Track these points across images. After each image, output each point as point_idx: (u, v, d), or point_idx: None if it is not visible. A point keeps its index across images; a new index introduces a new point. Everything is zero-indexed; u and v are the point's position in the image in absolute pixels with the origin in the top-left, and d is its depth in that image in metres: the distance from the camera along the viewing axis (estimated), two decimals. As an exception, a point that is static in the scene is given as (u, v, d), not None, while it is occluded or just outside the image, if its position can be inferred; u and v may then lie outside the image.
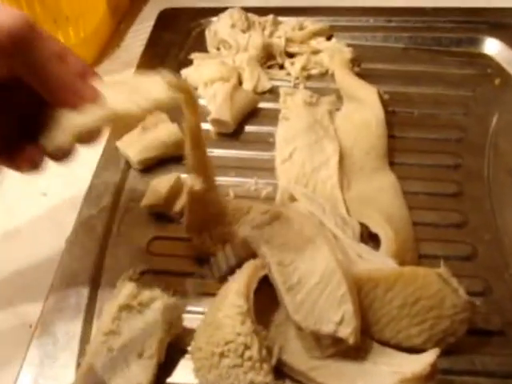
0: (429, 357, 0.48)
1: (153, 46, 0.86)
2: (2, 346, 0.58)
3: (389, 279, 0.52)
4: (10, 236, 0.67)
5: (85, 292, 0.59)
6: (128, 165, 0.70)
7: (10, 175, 0.72)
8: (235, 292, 0.52)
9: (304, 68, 0.79)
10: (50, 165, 0.50)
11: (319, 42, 0.83)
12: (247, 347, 0.49)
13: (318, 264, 0.52)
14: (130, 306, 0.53)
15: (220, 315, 0.51)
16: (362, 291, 0.52)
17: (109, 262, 0.62)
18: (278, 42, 0.81)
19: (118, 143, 0.70)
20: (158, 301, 0.54)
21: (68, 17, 0.81)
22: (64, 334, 0.56)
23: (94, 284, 0.60)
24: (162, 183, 0.64)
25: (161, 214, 0.64)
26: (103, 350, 0.52)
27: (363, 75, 0.77)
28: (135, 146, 0.69)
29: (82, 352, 0.54)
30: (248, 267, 0.55)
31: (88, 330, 0.56)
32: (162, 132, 0.69)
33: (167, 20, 0.90)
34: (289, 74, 0.80)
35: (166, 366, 0.52)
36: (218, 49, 0.84)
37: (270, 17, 0.85)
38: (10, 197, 0.71)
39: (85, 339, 0.55)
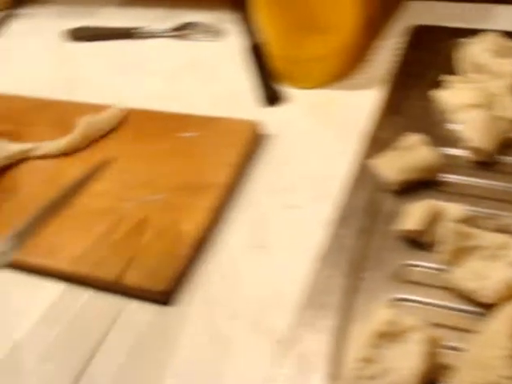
0: None
1: (403, 64, 0.85)
2: (247, 360, 0.59)
3: None
4: (257, 248, 0.69)
5: (336, 312, 0.59)
6: (380, 185, 0.70)
7: (258, 186, 0.74)
8: (503, 333, 0.50)
9: None
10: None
11: None
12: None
13: None
14: (388, 333, 0.53)
15: (484, 355, 0.50)
16: None
17: (361, 284, 0.62)
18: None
19: (373, 162, 0.70)
20: (417, 331, 0.53)
21: (322, 26, 0.81)
22: (313, 354, 0.57)
23: (346, 305, 0.60)
24: (419, 209, 0.63)
25: (413, 240, 0.63)
26: (358, 377, 0.52)
27: None
28: (392, 167, 0.69)
29: (333, 375, 0.54)
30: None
31: (339, 352, 0.56)
32: (419, 154, 0.68)
33: (418, 38, 0.89)
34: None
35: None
36: (471, 72, 0.82)
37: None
38: (257, 208, 0.73)
39: (335, 362, 0.55)
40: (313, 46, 0.82)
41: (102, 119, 0.84)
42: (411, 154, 0.69)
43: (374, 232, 0.66)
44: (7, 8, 1.15)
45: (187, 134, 0.80)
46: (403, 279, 0.61)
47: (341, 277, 0.62)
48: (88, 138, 0.83)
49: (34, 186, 0.79)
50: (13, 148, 0.82)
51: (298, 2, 0.78)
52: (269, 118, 0.81)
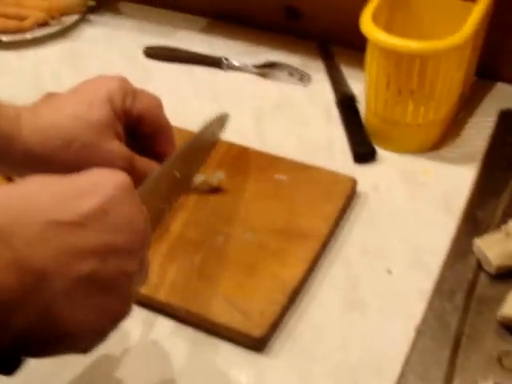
0: None
1: (495, 146, 0.85)
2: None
3: None
4: (350, 308, 0.68)
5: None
6: (480, 263, 0.69)
7: (352, 244, 0.73)
8: None
9: None
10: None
11: None
12: None
13: None
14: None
15: None
16: None
17: (461, 363, 0.61)
18: None
19: (478, 240, 0.69)
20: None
21: (426, 95, 0.81)
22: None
23: (444, 381, 0.59)
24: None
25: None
26: None
27: None
28: (493, 250, 0.68)
29: None
30: None
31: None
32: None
33: (509, 121, 0.89)
34: None
35: None
36: None
37: None
38: (350, 266, 0.72)
39: None
40: (413, 113, 0.82)
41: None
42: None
43: (471, 312, 0.66)
44: (81, 12, 1.12)
45: (279, 177, 0.79)
46: (502, 365, 0.60)
47: (438, 351, 0.62)
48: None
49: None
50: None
51: (410, 67, 0.77)
52: (360, 174, 0.80)
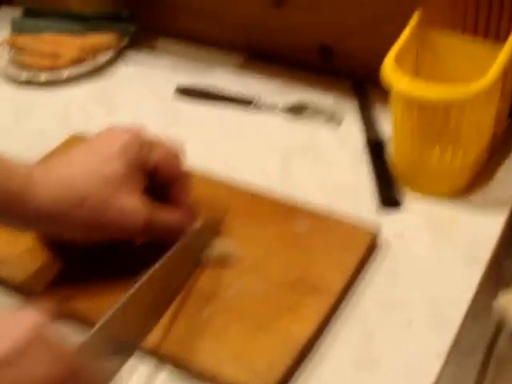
0: None
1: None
2: None
3: None
4: (363, 367, 0.65)
5: None
6: (502, 321, 0.67)
7: (369, 297, 0.71)
8: None
9: None
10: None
11: None
12: None
13: None
14: None
15: None
16: None
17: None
18: None
19: (501, 297, 0.67)
20: None
21: (455, 141, 0.79)
22: None
23: None
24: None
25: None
26: None
27: None
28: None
29: None
30: None
31: None
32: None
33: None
34: None
35: None
36: None
37: None
38: (366, 321, 0.69)
39: None
40: (440, 159, 0.79)
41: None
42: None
43: (489, 372, 0.63)
44: (116, 50, 1.13)
45: (298, 225, 0.77)
46: None
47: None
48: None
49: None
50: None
51: (433, 114, 0.76)
52: (384, 221, 0.78)
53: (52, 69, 1.09)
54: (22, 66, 1.11)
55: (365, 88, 1.02)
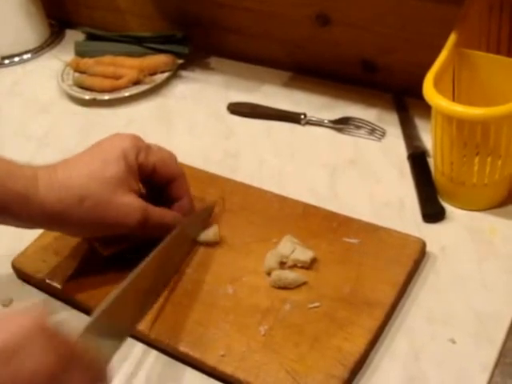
0: None
1: None
2: None
3: None
4: (415, 381, 0.68)
5: None
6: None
7: (417, 311, 0.73)
8: None
9: None
10: None
11: None
12: None
13: None
14: None
15: None
16: None
17: None
18: None
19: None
20: None
21: (494, 154, 0.82)
22: None
23: None
24: None
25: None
26: None
27: None
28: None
29: None
30: None
31: None
32: None
33: None
34: None
35: None
36: None
37: None
38: (414, 336, 0.72)
39: None
40: (479, 173, 0.83)
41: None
42: None
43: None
44: (172, 69, 1.19)
45: (349, 240, 0.79)
46: None
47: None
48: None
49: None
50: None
51: (472, 131, 0.79)
52: (427, 233, 0.81)
53: (113, 89, 1.16)
54: (86, 86, 1.19)
55: (406, 101, 1.06)
